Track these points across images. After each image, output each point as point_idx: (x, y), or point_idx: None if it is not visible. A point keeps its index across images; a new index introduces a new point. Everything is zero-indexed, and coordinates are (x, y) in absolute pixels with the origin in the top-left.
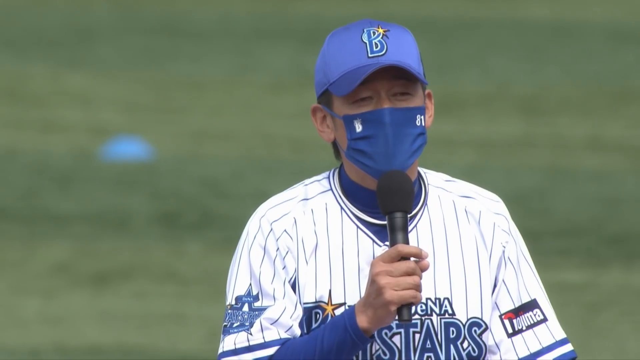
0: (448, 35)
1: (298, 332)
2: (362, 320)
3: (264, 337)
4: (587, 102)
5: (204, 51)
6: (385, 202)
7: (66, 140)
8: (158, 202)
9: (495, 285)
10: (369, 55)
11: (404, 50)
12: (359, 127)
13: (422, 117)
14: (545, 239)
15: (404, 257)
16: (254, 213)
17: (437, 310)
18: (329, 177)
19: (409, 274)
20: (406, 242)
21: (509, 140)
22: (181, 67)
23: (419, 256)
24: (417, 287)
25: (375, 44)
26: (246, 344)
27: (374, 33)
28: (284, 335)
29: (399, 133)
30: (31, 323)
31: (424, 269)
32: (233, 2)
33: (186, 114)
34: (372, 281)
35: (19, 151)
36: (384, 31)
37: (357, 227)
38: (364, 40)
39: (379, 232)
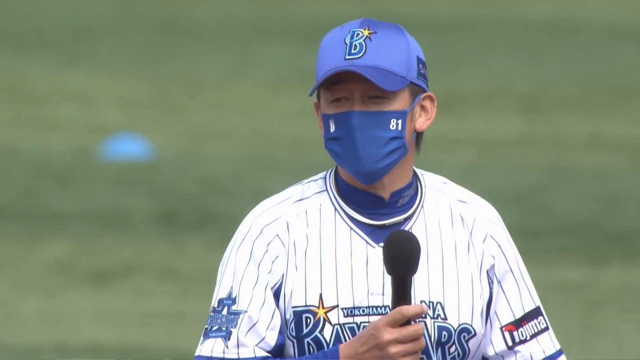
0: (448, 33)
1: (272, 342)
2: None
3: (239, 354)
4: (587, 100)
5: (204, 49)
6: (392, 267)
7: (66, 138)
8: (158, 200)
9: (491, 295)
10: (346, 57)
11: (385, 54)
12: (332, 127)
13: (400, 121)
14: (545, 237)
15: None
16: (247, 215)
17: (430, 313)
18: (325, 177)
19: (417, 338)
20: (409, 302)
21: (509, 138)
22: (181, 65)
23: (421, 314)
24: (422, 349)
25: (355, 45)
26: (221, 356)
27: (358, 35)
28: (259, 352)
29: (367, 136)
30: (31, 321)
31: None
32: (233, 1)
33: (186, 113)
34: (380, 348)
35: (19, 150)
36: (370, 33)
37: (351, 228)
38: (346, 41)
39: (373, 233)
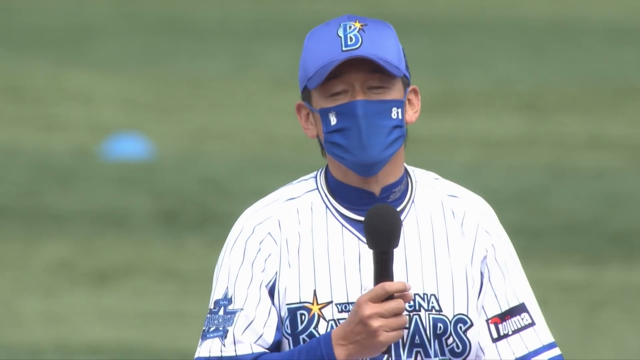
0: (449, 33)
1: (270, 340)
2: (341, 354)
3: (236, 351)
4: (587, 100)
5: (205, 49)
6: (373, 241)
7: (67, 138)
8: (158, 200)
9: (481, 287)
10: (343, 48)
11: (381, 44)
12: (333, 120)
13: (399, 110)
14: (546, 236)
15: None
16: (239, 217)
17: (425, 305)
18: (316, 177)
19: (398, 313)
20: (392, 277)
21: (509, 138)
22: (182, 65)
23: (404, 290)
24: (405, 325)
25: (350, 37)
26: (219, 355)
27: (350, 27)
28: (256, 349)
29: (373, 125)
30: (31, 321)
31: (407, 301)
32: (233, 1)
33: (187, 112)
34: (364, 323)
35: (20, 149)
36: (361, 25)
37: (342, 225)
38: (340, 34)
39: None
